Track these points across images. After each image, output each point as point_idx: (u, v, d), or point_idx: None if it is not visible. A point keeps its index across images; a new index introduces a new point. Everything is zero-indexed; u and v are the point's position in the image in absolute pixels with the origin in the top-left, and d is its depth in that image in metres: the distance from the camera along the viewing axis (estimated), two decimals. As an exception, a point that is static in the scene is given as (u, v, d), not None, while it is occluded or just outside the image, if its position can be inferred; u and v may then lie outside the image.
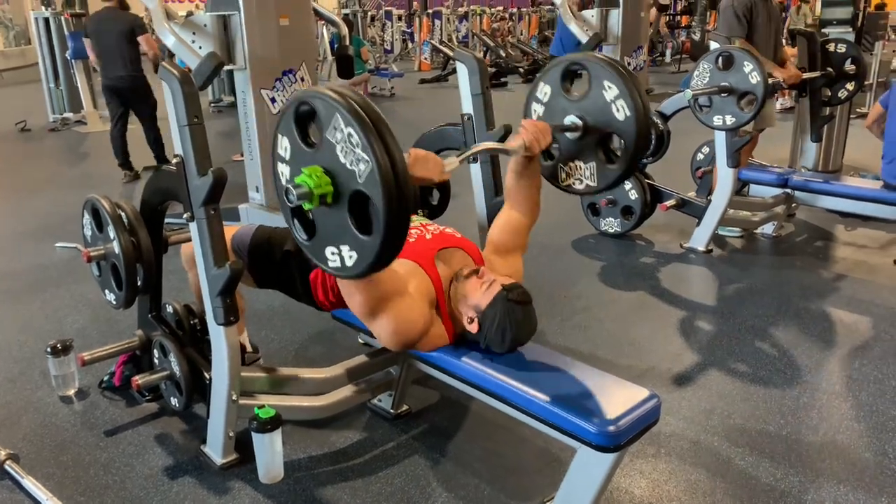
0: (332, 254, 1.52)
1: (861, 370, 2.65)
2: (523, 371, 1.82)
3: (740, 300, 3.29)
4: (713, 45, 3.72)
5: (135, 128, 5.76)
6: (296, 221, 1.56)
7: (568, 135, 2.04)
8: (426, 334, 1.87)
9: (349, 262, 1.50)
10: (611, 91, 1.92)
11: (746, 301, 3.27)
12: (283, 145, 1.54)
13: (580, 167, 2.08)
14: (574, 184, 2.12)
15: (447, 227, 2.12)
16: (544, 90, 2.09)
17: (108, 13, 5.50)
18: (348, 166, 1.40)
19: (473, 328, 1.88)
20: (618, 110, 1.93)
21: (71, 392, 2.51)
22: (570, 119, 2.03)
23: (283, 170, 1.56)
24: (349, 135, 1.38)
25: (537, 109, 2.12)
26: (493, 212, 2.43)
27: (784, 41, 4.33)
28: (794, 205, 4.21)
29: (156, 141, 5.72)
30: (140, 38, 5.44)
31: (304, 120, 1.50)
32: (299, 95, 1.48)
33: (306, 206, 1.48)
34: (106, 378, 2.53)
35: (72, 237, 4.02)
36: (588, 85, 1.99)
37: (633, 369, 2.65)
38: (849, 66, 4.18)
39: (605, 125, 1.98)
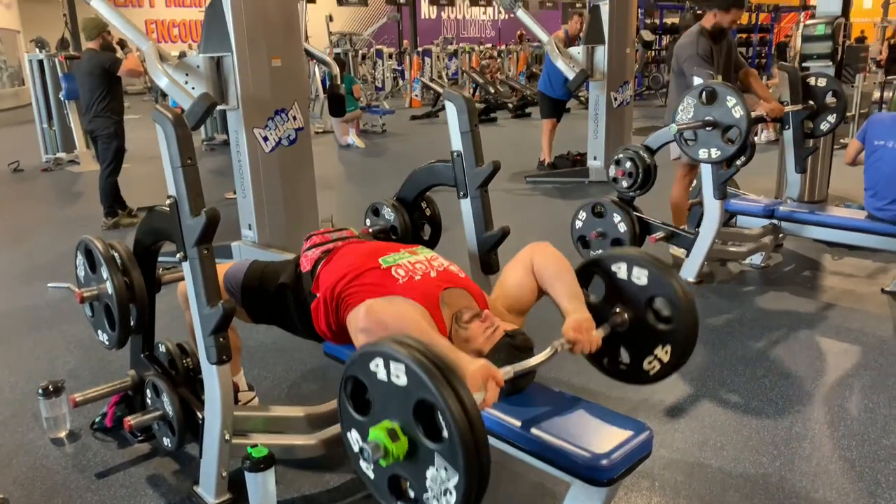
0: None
1: (852, 399, 2.67)
2: (515, 405, 1.83)
3: (730, 331, 3.31)
4: (696, 81, 3.80)
5: (129, 166, 5.78)
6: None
7: (614, 326, 1.97)
8: None
9: None
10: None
11: (736, 332, 3.30)
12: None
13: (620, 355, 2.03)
14: (602, 365, 2.08)
15: (452, 263, 2.10)
16: (640, 277, 1.92)
17: (85, 55, 5.41)
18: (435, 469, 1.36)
19: None
20: (650, 363, 1.93)
21: (62, 434, 2.49)
22: (622, 317, 1.94)
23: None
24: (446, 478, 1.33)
25: (620, 270, 1.97)
26: (483, 244, 2.46)
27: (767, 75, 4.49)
28: (781, 235, 4.27)
29: (112, 186, 5.44)
30: (121, 73, 5.18)
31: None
32: (432, 384, 1.31)
33: (382, 463, 1.41)
34: (97, 419, 2.52)
35: (64, 277, 4.01)
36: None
37: (625, 401, 2.66)
38: (830, 99, 4.27)
39: (651, 333, 1.93)
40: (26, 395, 2.77)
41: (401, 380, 1.37)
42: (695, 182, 4.46)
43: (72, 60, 8.14)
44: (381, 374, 1.41)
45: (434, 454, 1.34)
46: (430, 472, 1.37)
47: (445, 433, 1.32)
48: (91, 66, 5.22)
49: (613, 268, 1.97)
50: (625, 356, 2.01)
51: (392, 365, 1.38)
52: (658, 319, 1.91)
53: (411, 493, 1.44)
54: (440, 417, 1.32)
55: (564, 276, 1.97)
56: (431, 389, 1.31)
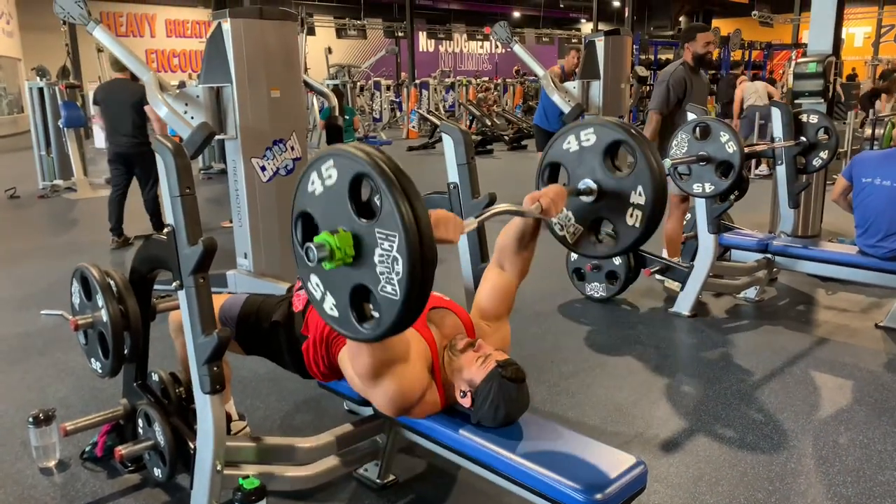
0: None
1: (847, 434, 2.66)
2: (511, 439, 1.82)
3: (725, 364, 3.31)
4: (690, 116, 3.86)
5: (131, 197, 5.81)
6: (328, 294, 1.54)
7: (583, 198, 2.00)
8: (422, 399, 1.88)
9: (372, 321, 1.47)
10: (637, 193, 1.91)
11: (731, 365, 3.30)
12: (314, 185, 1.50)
13: (602, 230, 2.06)
14: (598, 248, 2.07)
15: (433, 291, 2.13)
16: (589, 138, 1.99)
17: (119, 83, 5.65)
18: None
19: (466, 402, 1.89)
20: (632, 216, 1.92)
21: (51, 463, 2.46)
22: (585, 182, 1.99)
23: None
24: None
25: (571, 144, 2.03)
26: (478, 277, 2.46)
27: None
28: (775, 269, 4.29)
29: (155, 202, 5.79)
30: (146, 109, 5.41)
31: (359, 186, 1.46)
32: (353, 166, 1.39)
33: (326, 267, 1.44)
34: (88, 448, 2.49)
35: (57, 304, 3.99)
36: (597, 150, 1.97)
37: (620, 435, 2.64)
38: (822, 136, 4.33)
39: (620, 185, 1.94)
40: (16, 424, 2.74)
41: (332, 178, 1.42)
42: (689, 216, 4.50)
43: (72, 89, 8.23)
44: (318, 187, 1.46)
45: (375, 233, 1.37)
46: (378, 254, 1.37)
47: (378, 200, 1.35)
48: (131, 97, 5.49)
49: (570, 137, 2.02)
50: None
51: (323, 168, 1.44)
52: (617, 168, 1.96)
53: (373, 312, 1.44)
54: (373, 189, 1.36)
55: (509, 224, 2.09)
56: (361, 160, 1.37)
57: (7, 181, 8.55)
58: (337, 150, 1.43)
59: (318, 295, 1.54)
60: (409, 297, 1.36)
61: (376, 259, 1.38)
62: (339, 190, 1.42)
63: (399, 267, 1.35)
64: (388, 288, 1.38)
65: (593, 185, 1.98)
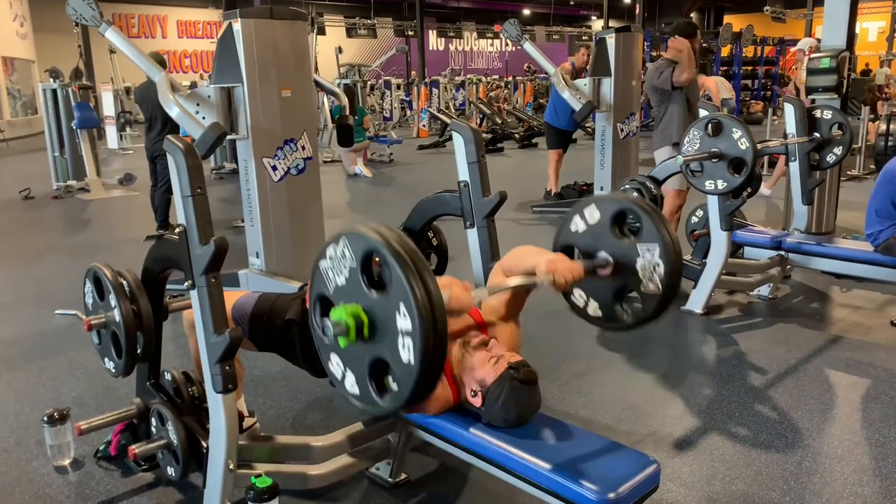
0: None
1: (862, 433, 2.63)
2: (522, 438, 1.82)
3: (739, 362, 3.29)
4: (703, 113, 3.83)
5: (138, 194, 5.86)
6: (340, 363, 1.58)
7: (599, 271, 1.92)
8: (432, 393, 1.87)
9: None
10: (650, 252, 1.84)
11: (745, 363, 3.27)
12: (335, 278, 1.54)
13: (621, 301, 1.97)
14: (626, 318, 1.98)
15: None
16: (593, 215, 1.95)
17: (151, 85, 5.82)
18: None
19: (477, 402, 1.89)
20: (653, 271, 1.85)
21: (66, 462, 2.48)
22: (602, 255, 1.91)
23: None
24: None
25: (578, 225, 1.98)
26: (488, 274, 2.47)
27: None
28: (788, 267, 4.26)
29: (160, 204, 5.94)
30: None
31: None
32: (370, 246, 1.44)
33: (342, 343, 1.48)
34: (102, 447, 2.50)
35: (71, 304, 4.03)
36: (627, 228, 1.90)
37: (633, 434, 2.63)
38: (835, 132, 4.29)
39: (632, 270, 1.87)
40: (31, 423, 2.77)
41: (346, 258, 1.47)
42: (701, 212, 4.47)
43: (85, 91, 8.30)
44: (332, 275, 1.51)
45: (389, 309, 1.41)
46: (393, 330, 1.41)
47: (387, 272, 1.39)
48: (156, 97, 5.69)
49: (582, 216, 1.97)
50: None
51: (337, 249, 1.49)
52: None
53: (392, 384, 1.47)
54: (382, 265, 1.40)
55: (527, 251, 2.00)
56: (370, 238, 1.42)
57: (21, 182, 8.62)
58: (350, 230, 1.48)
59: (339, 374, 1.59)
60: (424, 370, 1.39)
61: (392, 334, 1.42)
62: (352, 269, 1.48)
63: (414, 343, 1.38)
64: (405, 360, 1.41)
65: (608, 257, 1.90)
